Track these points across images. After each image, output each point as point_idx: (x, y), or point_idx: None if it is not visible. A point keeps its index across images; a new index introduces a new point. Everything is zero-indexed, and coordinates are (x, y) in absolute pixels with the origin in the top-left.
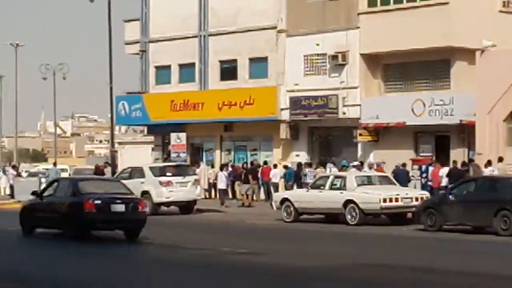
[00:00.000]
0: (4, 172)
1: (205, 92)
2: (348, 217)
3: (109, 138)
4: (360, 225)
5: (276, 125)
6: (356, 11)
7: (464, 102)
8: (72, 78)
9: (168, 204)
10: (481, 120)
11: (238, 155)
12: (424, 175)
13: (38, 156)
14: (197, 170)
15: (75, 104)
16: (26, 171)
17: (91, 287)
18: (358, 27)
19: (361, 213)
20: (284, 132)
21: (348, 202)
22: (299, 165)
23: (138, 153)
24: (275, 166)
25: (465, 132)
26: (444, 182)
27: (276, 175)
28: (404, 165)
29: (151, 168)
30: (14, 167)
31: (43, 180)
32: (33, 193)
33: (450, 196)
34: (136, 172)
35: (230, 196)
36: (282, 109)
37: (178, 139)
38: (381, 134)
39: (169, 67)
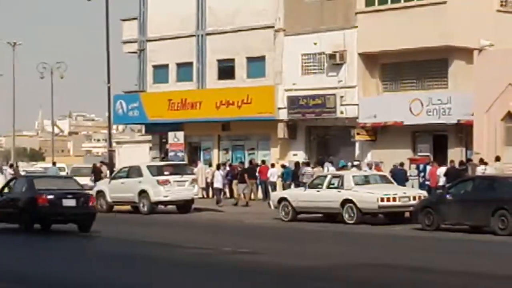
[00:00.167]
0: (1, 171)
1: (202, 91)
2: (346, 216)
3: (106, 137)
4: (357, 224)
5: (274, 124)
6: (354, 10)
7: (462, 101)
8: (69, 77)
9: (165, 203)
10: (479, 120)
11: (235, 154)
12: (422, 174)
13: (35, 155)
14: (195, 169)
15: (72, 103)
16: (23, 170)
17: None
18: (356, 27)
19: (359, 212)
20: (281, 131)
21: (345, 201)
22: (297, 164)
23: (135, 152)
24: (272, 165)
25: (463, 132)
26: (442, 181)
27: (273, 174)
28: (402, 164)
29: (148, 167)
30: (11, 166)
31: None
32: None
33: (447, 196)
34: (133, 171)
35: (228, 195)
36: (279, 108)
37: (175, 138)
38: (379, 134)
39: (166, 66)
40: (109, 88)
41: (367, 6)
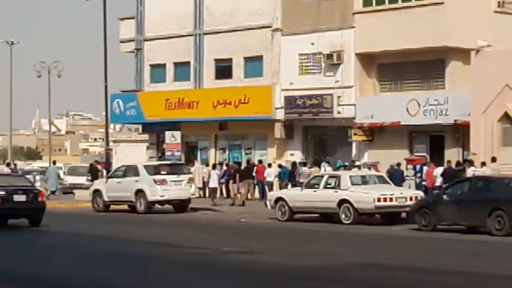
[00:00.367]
0: None
1: (200, 91)
2: (343, 216)
3: (103, 136)
4: (354, 224)
5: (271, 124)
6: (351, 10)
7: (458, 102)
8: (67, 76)
9: (162, 202)
10: (476, 120)
11: (232, 154)
12: (419, 174)
13: (32, 154)
14: (192, 169)
15: (69, 102)
16: (20, 169)
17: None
18: (353, 27)
19: (355, 212)
20: (278, 131)
21: (342, 201)
22: (294, 164)
23: (132, 152)
24: (269, 165)
25: (460, 132)
26: (439, 182)
27: (270, 174)
28: (398, 164)
29: (145, 167)
30: (8, 165)
31: (37, 177)
32: None
33: (444, 196)
34: (130, 171)
35: (225, 195)
36: (277, 108)
37: (173, 138)
38: (376, 134)
39: (164, 65)
40: (106, 87)
41: (364, 6)
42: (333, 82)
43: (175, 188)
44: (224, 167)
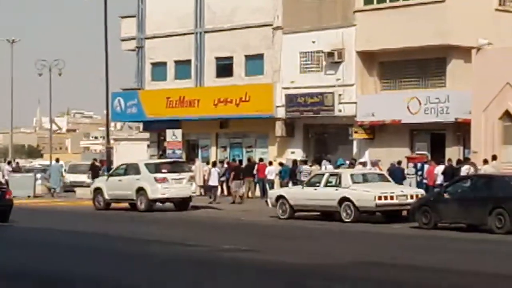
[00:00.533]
0: None
1: (201, 89)
2: (343, 214)
3: (104, 134)
4: (355, 222)
5: (272, 122)
6: (352, 8)
7: (459, 100)
8: (68, 74)
9: (163, 200)
10: (477, 118)
11: (233, 152)
12: (420, 173)
13: (33, 152)
14: (193, 167)
15: (71, 100)
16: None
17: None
18: (354, 25)
19: (356, 210)
20: (279, 129)
21: (343, 199)
22: (295, 162)
23: (133, 150)
24: (270, 163)
25: (461, 130)
26: (440, 180)
27: (271, 172)
28: (399, 162)
29: (146, 165)
30: (9, 163)
31: (38, 175)
32: None
33: (445, 194)
34: (131, 169)
35: (226, 193)
36: (277, 106)
37: (173, 136)
38: (377, 132)
39: (165, 63)
40: (107, 85)
41: (365, 5)
42: (334, 80)
43: (176, 186)
44: (225, 165)
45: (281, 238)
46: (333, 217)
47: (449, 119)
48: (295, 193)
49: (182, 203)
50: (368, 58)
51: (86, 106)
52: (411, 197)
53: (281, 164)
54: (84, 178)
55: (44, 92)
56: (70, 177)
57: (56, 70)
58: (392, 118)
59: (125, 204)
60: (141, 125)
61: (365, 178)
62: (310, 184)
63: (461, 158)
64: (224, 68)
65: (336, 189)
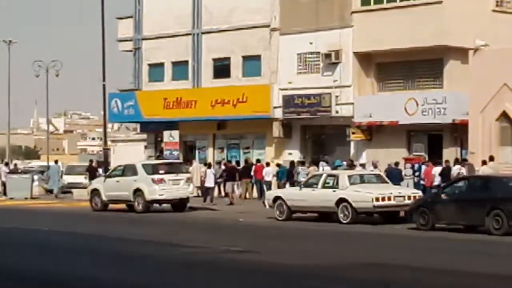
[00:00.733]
0: None
1: (198, 90)
2: (341, 215)
3: (101, 135)
4: (352, 223)
5: (269, 123)
6: (350, 9)
7: (457, 101)
8: (65, 75)
9: (160, 201)
10: (474, 119)
11: (231, 153)
12: (417, 174)
13: (30, 153)
14: (190, 168)
15: (68, 101)
16: (19, 169)
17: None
18: (352, 26)
19: (354, 211)
20: (277, 130)
21: (340, 200)
22: (292, 163)
23: (131, 151)
24: (267, 164)
25: (458, 131)
26: (437, 181)
27: (268, 173)
28: (397, 164)
29: (143, 166)
30: (7, 164)
31: (35, 177)
32: None
33: (442, 195)
34: (128, 170)
35: (223, 194)
36: (275, 107)
37: (171, 137)
38: (374, 133)
39: (162, 64)
40: (104, 86)
41: (362, 6)
42: (331, 81)
43: (173, 187)
44: (222, 166)
45: (279, 239)
46: (331, 218)
47: (446, 120)
48: (293, 194)
49: (179, 204)
50: (365, 59)
51: (83, 107)
52: (409, 198)
53: (278, 165)
54: (81, 179)
55: (41, 93)
56: (67, 179)
57: (53, 71)
58: (389, 119)
59: (123, 205)
60: (138, 126)
61: (363, 179)
62: (307, 185)
63: (459, 159)
64: (222, 69)
65: (334, 190)
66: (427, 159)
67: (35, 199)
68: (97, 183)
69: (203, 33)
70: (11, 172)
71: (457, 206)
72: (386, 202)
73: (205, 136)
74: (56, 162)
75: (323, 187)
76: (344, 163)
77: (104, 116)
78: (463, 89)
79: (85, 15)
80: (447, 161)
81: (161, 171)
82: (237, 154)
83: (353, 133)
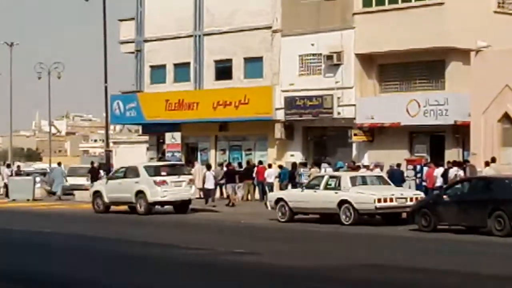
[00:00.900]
0: None
1: (200, 92)
2: (343, 217)
3: (103, 137)
4: (354, 225)
5: (271, 125)
6: (351, 11)
7: (458, 102)
8: (67, 77)
9: (162, 203)
10: (476, 121)
11: (233, 154)
12: (419, 175)
13: (32, 155)
14: (192, 170)
15: (70, 103)
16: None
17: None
18: (353, 27)
19: (356, 213)
20: (279, 132)
21: (342, 202)
22: (294, 165)
23: (133, 153)
24: (269, 166)
25: (460, 133)
26: (439, 182)
27: (270, 175)
28: (398, 165)
29: (146, 168)
30: (8, 166)
31: (37, 179)
32: None
33: (444, 197)
34: (130, 172)
35: (225, 195)
36: (277, 109)
37: (173, 139)
38: (376, 134)
39: (164, 66)
40: (106, 88)
41: (364, 7)
42: (333, 82)
43: (175, 189)
44: (225, 168)
45: (281, 241)
46: (333, 219)
47: (448, 122)
48: (295, 196)
49: (181, 206)
50: (367, 60)
51: (85, 109)
52: (411, 199)
53: (280, 166)
54: (83, 181)
55: (43, 95)
56: (69, 180)
57: (55, 73)
58: (391, 121)
59: (125, 207)
60: (140, 128)
61: (365, 181)
62: (309, 186)
63: (456, 161)
64: (223, 71)
65: (336, 192)
66: (429, 160)
67: (37, 201)
68: (99, 185)
69: (204, 35)
70: (16, 174)
71: (459, 207)
72: (388, 204)
73: (207, 138)
74: (59, 164)
75: (325, 188)
76: (346, 164)
77: (106, 118)
78: (465, 90)
79: (87, 17)
80: (449, 162)
81: (163, 173)
82: (239, 155)
83: (355, 134)
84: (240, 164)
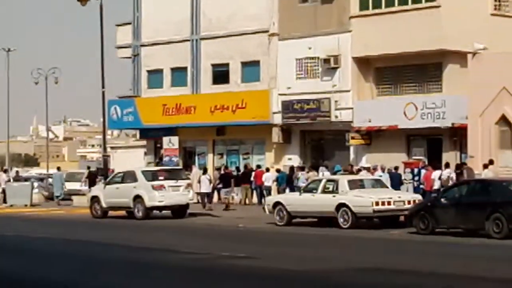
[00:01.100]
0: None
1: (197, 96)
2: (341, 220)
3: (101, 142)
4: (352, 228)
5: (268, 128)
6: (348, 14)
7: (456, 105)
8: (64, 83)
9: (160, 208)
10: (473, 123)
11: (230, 159)
12: (417, 178)
13: (30, 161)
14: (190, 174)
15: (67, 109)
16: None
17: None
18: (350, 31)
19: (354, 216)
20: (276, 135)
21: (340, 205)
22: (292, 168)
23: (130, 157)
24: (267, 169)
25: (457, 135)
26: (437, 185)
27: (268, 178)
28: (396, 168)
29: (143, 172)
30: (6, 171)
31: (35, 184)
32: None
33: (442, 199)
34: (128, 176)
35: (222, 200)
36: (274, 113)
37: (170, 143)
38: (374, 138)
39: (161, 71)
40: (103, 93)
41: (361, 11)
42: (331, 86)
43: (173, 193)
44: (222, 172)
45: (279, 245)
46: (331, 223)
47: (445, 124)
48: (293, 200)
49: (179, 211)
50: (364, 63)
51: (83, 114)
52: (409, 202)
53: (278, 170)
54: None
55: (40, 100)
56: (67, 185)
57: (52, 78)
58: (388, 124)
59: (123, 212)
60: (137, 133)
61: (362, 184)
62: (307, 190)
63: (449, 163)
64: (221, 75)
65: (334, 195)
66: (426, 163)
67: (35, 206)
68: (97, 190)
69: (201, 39)
70: (14, 179)
71: (457, 210)
72: (386, 207)
73: (205, 142)
74: (58, 169)
75: (323, 192)
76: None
77: (103, 123)
78: (462, 93)
79: (84, 22)
80: (446, 164)
81: (160, 178)
82: (236, 159)
83: (353, 138)
84: (237, 168)
